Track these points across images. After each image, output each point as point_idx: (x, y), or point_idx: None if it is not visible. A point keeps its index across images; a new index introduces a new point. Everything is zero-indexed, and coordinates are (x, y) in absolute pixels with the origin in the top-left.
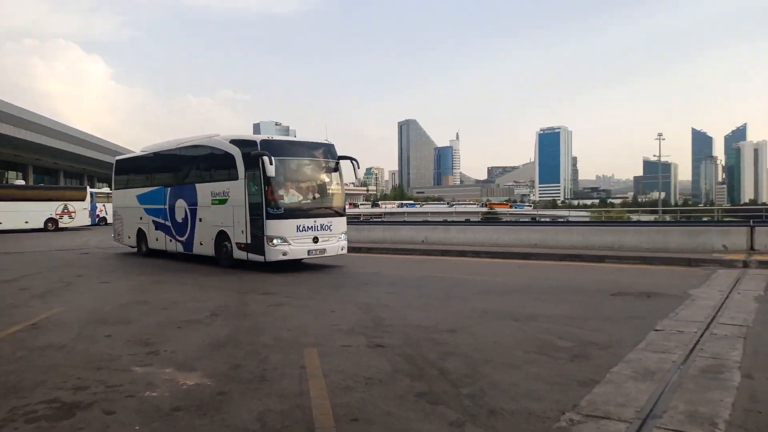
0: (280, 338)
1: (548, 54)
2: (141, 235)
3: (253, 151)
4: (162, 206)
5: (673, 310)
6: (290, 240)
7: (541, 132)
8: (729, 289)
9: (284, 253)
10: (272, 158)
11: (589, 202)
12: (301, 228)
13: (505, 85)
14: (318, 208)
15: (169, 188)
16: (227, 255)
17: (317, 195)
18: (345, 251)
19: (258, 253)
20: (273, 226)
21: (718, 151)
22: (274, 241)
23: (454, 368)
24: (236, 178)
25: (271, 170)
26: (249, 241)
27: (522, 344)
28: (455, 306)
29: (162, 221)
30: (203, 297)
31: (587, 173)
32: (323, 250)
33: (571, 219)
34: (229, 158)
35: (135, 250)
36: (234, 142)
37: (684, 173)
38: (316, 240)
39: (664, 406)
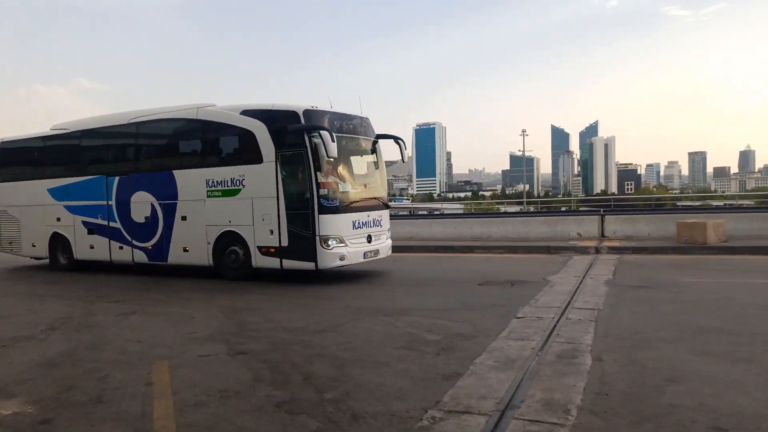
0: (125, 351)
1: (423, 52)
2: (58, 241)
3: (291, 126)
4: (102, 202)
5: (534, 297)
6: (347, 240)
7: (417, 127)
8: (583, 275)
9: (341, 258)
10: (333, 134)
11: (462, 194)
12: (356, 225)
13: (383, 82)
14: (369, 198)
15: (117, 178)
16: (240, 264)
17: (366, 183)
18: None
19: (303, 259)
20: (328, 223)
21: (574, 145)
22: (330, 242)
23: (320, 372)
24: (258, 161)
25: (333, 149)
26: (285, 244)
27: (392, 340)
28: (325, 305)
29: (101, 222)
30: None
31: (461, 167)
32: (377, 252)
33: (445, 211)
34: (245, 136)
35: (45, 261)
36: (249, 113)
37: (545, 167)
38: (369, 239)
39: (523, 395)
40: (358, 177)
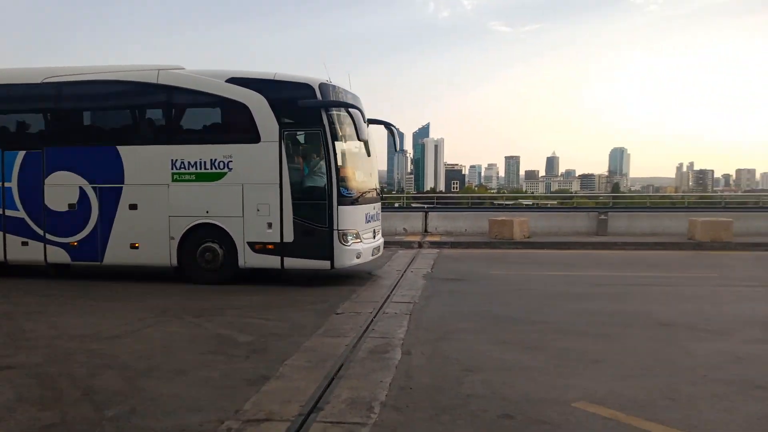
0: None
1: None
2: None
3: (306, 101)
4: None
5: (356, 292)
6: (362, 235)
7: None
8: (404, 268)
9: (358, 255)
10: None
11: None
12: (368, 218)
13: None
14: (373, 188)
15: (21, 153)
16: (219, 264)
17: (370, 171)
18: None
19: (314, 257)
20: (347, 216)
21: (408, 145)
22: (348, 237)
23: (105, 385)
24: (252, 140)
25: (364, 132)
26: (289, 240)
27: (198, 344)
28: (123, 307)
29: None
30: None
31: None
32: (379, 248)
33: None
34: (234, 109)
35: None
36: (239, 81)
37: (383, 164)
38: (374, 234)
39: (330, 396)
40: (365, 164)
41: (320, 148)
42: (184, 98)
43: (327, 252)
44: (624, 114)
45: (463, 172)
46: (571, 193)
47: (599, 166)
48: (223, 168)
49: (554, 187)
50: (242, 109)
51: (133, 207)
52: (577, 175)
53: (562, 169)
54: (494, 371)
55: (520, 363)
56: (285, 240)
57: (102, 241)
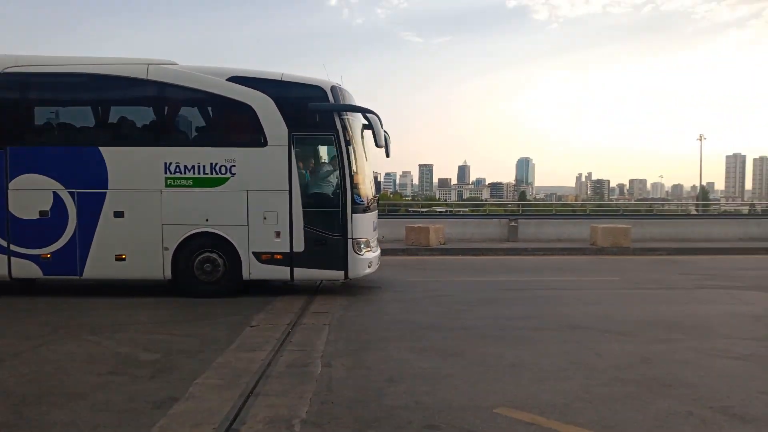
0: None
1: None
2: None
3: (315, 104)
4: None
5: (271, 303)
6: (372, 244)
7: None
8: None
9: (369, 264)
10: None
11: None
12: (374, 226)
13: None
14: (374, 196)
15: None
16: (219, 276)
17: (371, 177)
18: None
19: (327, 267)
20: (360, 224)
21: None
22: (362, 246)
23: None
24: (258, 143)
25: (382, 138)
26: (300, 249)
27: (97, 365)
28: (7, 324)
29: None
30: None
31: None
32: (378, 258)
33: None
34: (238, 110)
35: None
36: (242, 81)
37: None
38: (377, 243)
39: (246, 415)
40: (368, 170)
41: (333, 154)
42: (179, 96)
43: (341, 262)
44: (529, 126)
45: (378, 180)
46: (483, 200)
47: (507, 175)
48: (225, 173)
49: (466, 194)
50: (246, 111)
51: (118, 215)
52: (487, 183)
53: (473, 178)
54: (416, 380)
55: (441, 371)
56: (295, 250)
57: (81, 252)
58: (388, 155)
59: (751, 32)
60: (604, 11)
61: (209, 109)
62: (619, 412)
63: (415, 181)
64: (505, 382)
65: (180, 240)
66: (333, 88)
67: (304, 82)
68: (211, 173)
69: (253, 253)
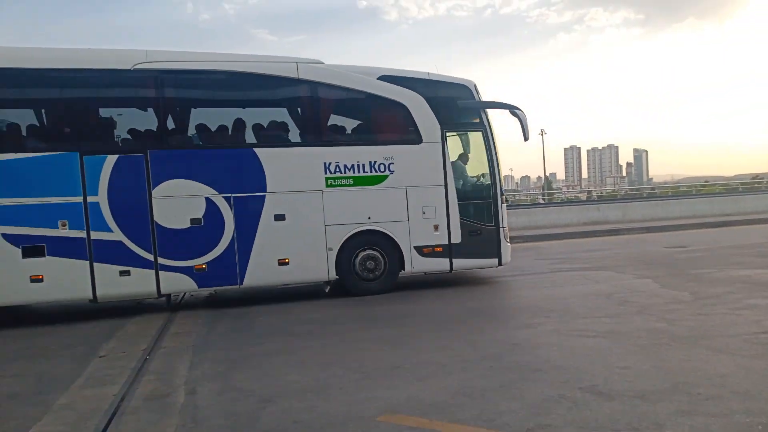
0: None
1: None
2: None
3: (465, 102)
4: (67, 198)
5: (123, 327)
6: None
7: None
8: (182, 294)
9: (509, 251)
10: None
11: None
12: None
13: None
14: None
15: (112, 157)
16: (381, 272)
17: None
18: None
19: (482, 256)
20: (505, 214)
21: None
22: (508, 234)
23: None
24: (413, 141)
25: (529, 132)
26: (457, 241)
27: None
28: None
29: (66, 234)
30: None
31: None
32: None
33: None
34: (392, 109)
35: None
36: (391, 80)
37: None
38: None
39: None
40: None
41: (482, 148)
42: (332, 95)
43: (495, 250)
44: None
45: None
46: None
47: None
48: (384, 171)
49: None
50: (400, 109)
51: (279, 218)
52: None
53: None
54: (294, 396)
55: (319, 382)
56: (453, 241)
57: (241, 260)
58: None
59: (576, 36)
60: (448, 14)
61: (364, 108)
62: (497, 403)
63: None
64: (387, 387)
65: (344, 240)
66: (476, 86)
67: (451, 81)
68: (371, 171)
69: (414, 247)
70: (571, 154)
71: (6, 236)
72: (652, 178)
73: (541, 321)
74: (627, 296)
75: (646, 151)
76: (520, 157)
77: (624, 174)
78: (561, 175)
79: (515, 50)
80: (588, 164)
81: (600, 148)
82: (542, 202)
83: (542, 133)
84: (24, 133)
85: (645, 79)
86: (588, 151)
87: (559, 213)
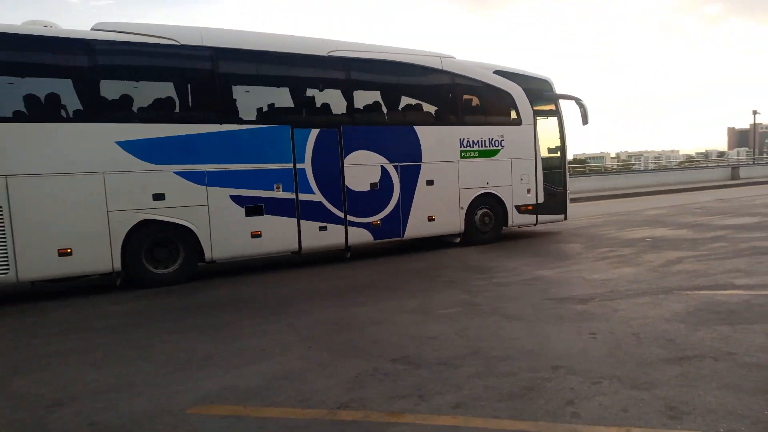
0: None
1: None
2: (168, 237)
3: (547, 93)
4: (281, 165)
5: None
6: None
7: None
8: None
9: None
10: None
11: None
12: None
13: None
14: None
15: (314, 131)
16: (490, 225)
17: None
18: None
19: (555, 212)
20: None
21: None
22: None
23: None
24: (516, 122)
25: (588, 118)
26: (541, 201)
27: None
28: None
29: (280, 195)
30: None
31: None
32: None
33: None
34: (502, 96)
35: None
36: (502, 74)
37: None
38: None
39: None
40: None
41: (556, 130)
42: (463, 84)
43: (563, 208)
44: None
45: None
46: None
47: None
48: (497, 146)
49: None
50: (507, 97)
51: (429, 183)
52: None
53: None
54: (91, 397)
55: (122, 380)
56: (539, 201)
57: (403, 217)
58: (586, 122)
59: None
60: None
61: (484, 95)
62: (314, 382)
63: None
64: (200, 378)
65: (470, 200)
66: (550, 81)
67: (538, 77)
68: (489, 146)
69: (515, 206)
70: None
71: (233, 197)
72: None
73: (363, 300)
74: (439, 272)
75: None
76: None
77: None
78: None
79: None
80: None
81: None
82: None
83: None
84: (245, 107)
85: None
86: None
87: None
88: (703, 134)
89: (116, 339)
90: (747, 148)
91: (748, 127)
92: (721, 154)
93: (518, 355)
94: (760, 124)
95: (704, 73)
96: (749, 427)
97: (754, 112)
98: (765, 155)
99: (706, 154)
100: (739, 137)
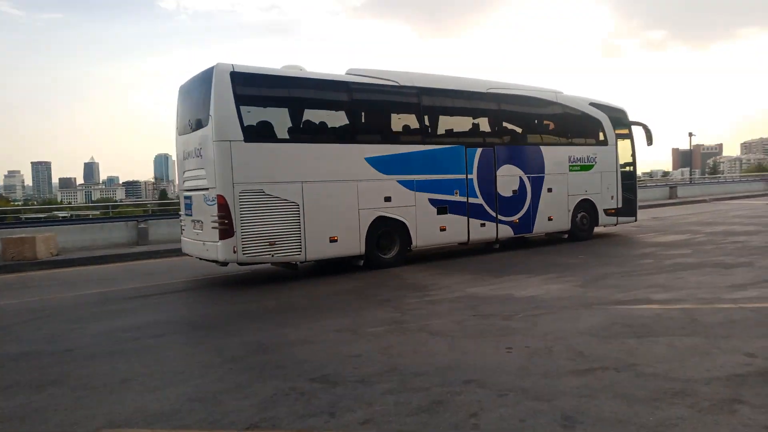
0: None
1: None
2: (386, 229)
3: (622, 120)
4: (458, 176)
5: None
6: None
7: None
8: None
9: None
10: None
11: None
12: None
13: None
14: None
15: (478, 149)
16: (587, 225)
17: None
18: None
19: (629, 215)
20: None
21: None
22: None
23: None
24: (604, 143)
25: (652, 140)
26: (620, 206)
27: None
28: None
29: (457, 199)
30: None
31: None
32: None
33: None
34: (595, 123)
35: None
36: (595, 105)
37: None
38: None
39: None
40: None
41: (629, 150)
42: (571, 113)
43: (634, 212)
44: (167, 121)
45: None
46: (116, 201)
47: (144, 173)
48: (593, 162)
49: (96, 195)
50: (598, 124)
51: (550, 190)
52: (121, 182)
53: (103, 176)
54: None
55: (29, 406)
56: (618, 206)
57: (533, 216)
58: (650, 143)
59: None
60: (232, 9)
61: (583, 121)
62: (228, 403)
63: (28, 181)
64: (112, 401)
65: (575, 204)
66: (625, 111)
67: (617, 107)
68: (587, 162)
69: (602, 209)
70: None
71: (430, 200)
72: None
73: (297, 321)
74: (367, 291)
75: None
76: None
77: None
78: None
79: (296, 52)
80: None
81: None
82: None
83: None
84: (436, 132)
85: None
86: None
87: None
88: (650, 155)
89: (26, 365)
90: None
91: (690, 147)
92: (666, 173)
93: (434, 370)
94: (702, 144)
95: (648, 96)
96: None
97: (690, 134)
98: (706, 174)
99: (651, 174)
100: (682, 157)
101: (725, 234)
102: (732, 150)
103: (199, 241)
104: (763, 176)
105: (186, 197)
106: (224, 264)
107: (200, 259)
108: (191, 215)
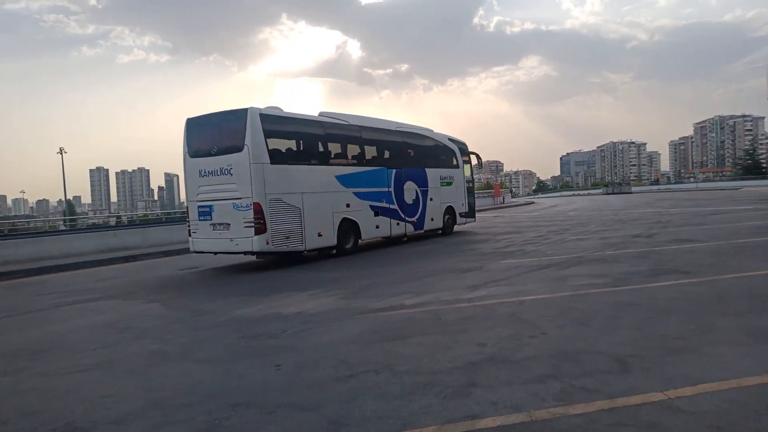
0: None
1: None
2: (347, 227)
3: (465, 150)
4: (384, 189)
5: None
6: None
7: None
8: None
9: None
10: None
11: None
12: None
13: None
14: None
15: (393, 170)
16: (451, 224)
17: None
18: None
19: (471, 217)
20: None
21: None
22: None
23: None
24: (457, 167)
25: (481, 164)
26: (467, 210)
27: None
28: None
29: (384, 205)
30: None
31: None
32: None
33: None
34: (451, 152)
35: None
36: (451, 139)
37: None
38: None
39: None
40: None
41: (469, 171)
42: (440, 145)
43: (473, 215)
44: None
45: None
46: None
47: None
48: (451, 180)
49: None
50: (453, 153)
51: (431, 199)
52: None
53: None
54: None
55: None
56: (466, 210)
57: (422, 218)
58: (480, 167)
59: (100, 51)
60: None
61: (446, 151)
62: (137, 425)
63: None
64: None
65: (444, 209)
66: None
67: (460, 140)
68: (449, 179)
69: (458, 213)
70: (98, 175)
71: (371, 206)
72: (183, 202)
73: (24, 365)
74: (130, 323)
75: (177, 176)
76: (37, 180)
77: (156, 198)
78: (87, 199)
79: (25, 55)
80: (118, 187)
81: (130, 170)
82: (64, 228)
83: (62, 151)
84: (368, 158)
85: (174, 106)
86: (117, 173)
87: (74, 241)
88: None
89: None
90: None
91: None
92: None
93: (199, 399)
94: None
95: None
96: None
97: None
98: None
99: None
100: None
101: (457, 244)
102: None
103: (225, 238)
104: (490, 192)
105: (203, 206)
106: (253, 254)
107: (216, 253)
108: (210, 219)
